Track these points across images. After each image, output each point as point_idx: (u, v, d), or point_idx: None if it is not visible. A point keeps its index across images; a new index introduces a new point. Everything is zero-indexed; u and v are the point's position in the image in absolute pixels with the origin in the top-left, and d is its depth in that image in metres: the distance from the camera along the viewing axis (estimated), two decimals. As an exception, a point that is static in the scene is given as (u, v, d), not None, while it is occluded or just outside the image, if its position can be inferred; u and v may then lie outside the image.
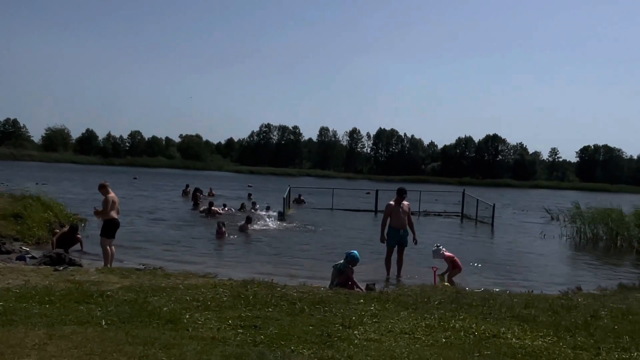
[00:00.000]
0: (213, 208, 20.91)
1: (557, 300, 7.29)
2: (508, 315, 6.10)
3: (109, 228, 9.65)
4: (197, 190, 26.43)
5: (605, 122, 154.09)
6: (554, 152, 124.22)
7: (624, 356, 4.73)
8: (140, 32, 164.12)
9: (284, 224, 18.41)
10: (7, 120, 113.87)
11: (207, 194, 29.36)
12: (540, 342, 5.06)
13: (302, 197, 29.35)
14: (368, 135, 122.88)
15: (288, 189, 25.74)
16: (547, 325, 5.72)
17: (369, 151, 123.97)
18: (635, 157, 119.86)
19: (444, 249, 10.11)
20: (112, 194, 9.74)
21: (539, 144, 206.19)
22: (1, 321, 4.93)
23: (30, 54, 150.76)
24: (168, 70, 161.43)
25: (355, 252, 8.78)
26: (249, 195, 30.38)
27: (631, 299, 7.67)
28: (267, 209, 22.25)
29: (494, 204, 23.66)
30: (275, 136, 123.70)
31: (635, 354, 4.81)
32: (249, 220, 17.07)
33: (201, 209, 21.74)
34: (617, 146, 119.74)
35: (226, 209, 22.09)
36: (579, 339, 5.23)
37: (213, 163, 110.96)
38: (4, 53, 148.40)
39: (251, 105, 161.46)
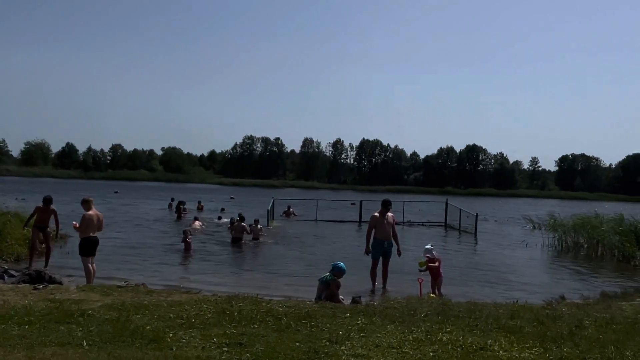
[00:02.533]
0: (197, 222, 20.76)
1: (542, 310, 7.33)
2: (494, 327, 6.10)
3: (87, 246, 9.47)
4: (180, 203, 26.39)
5: (583, 131, 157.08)
6: (534, 161, 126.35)
7: (609, 366, 4.76)
8: (120, 45, 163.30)
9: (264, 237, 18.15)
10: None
11: (196, 208, 29.13)
12: (527, 354, 5.07)
13: (292, 209, 29.02)
14: (351, 145, 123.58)
15: (272, 201, 25.65)
16: (533, 336, 5.74)
17: (352, 162, 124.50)
18: (612, 166, 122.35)
19: (435, 252, 10.13)
20: (92, 211, 9.57)
21: (519, 154, 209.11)
22: (-22, 344, 4.78)
23: (9, 67, 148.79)
24: (149, 83, 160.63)
25: (342, 263, 8.75)
26: (221, 209, 28.80)
27: (614, 308, 7.75)
28: (222, 210, 24.72)
29: (477, 214, 23.86)
30: (258, 148, 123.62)
31: (620, 363, 4.84)
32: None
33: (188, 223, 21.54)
34: (595, 155, 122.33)
35: (201, 226, 21.44)
36: (564, 349, 5.25)
37: (195, 175, 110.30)
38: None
39: (233, 117, 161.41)
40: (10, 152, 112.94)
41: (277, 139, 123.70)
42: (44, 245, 12.08)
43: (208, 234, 19.27)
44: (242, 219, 18.13)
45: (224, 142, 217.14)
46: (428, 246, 10.26)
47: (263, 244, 17.32)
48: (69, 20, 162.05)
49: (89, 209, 9.53)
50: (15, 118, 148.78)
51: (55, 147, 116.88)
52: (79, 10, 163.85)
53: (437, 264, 9.96)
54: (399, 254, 10.92)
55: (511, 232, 24.89)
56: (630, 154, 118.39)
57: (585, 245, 18.38)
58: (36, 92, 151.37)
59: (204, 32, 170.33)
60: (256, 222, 18.56)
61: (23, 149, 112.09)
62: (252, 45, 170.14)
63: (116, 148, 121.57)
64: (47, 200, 11.87)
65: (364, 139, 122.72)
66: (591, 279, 13.04)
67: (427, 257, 9.96)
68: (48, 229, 12.02)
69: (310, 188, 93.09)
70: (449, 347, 5.19)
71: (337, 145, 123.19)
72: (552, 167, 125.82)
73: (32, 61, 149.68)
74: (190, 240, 14.95)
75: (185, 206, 26.71)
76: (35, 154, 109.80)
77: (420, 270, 9.90)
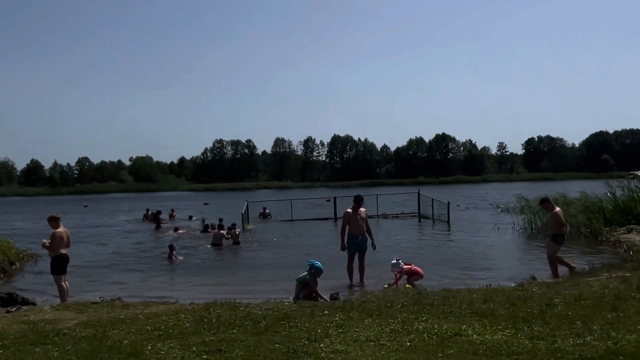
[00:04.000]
0: (180, 231, 21.78)
1: (513, 291, 7.54)
2: (468, 312, 6.27)
3: (59, 264, 9.29)
4: (158, 212, 26.74)
5: (546, 113, 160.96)
6: (501, 146, 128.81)
7: (578, 341, 4.95)
8: (80, 56, 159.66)
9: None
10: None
11: (168, 216, 28.86)
12: (499, 336, 5.23)
13: (267, 211, 29.12)
14: (321, 142, 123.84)
15: (246, 204, 25.57)
16: (505, 318, 5.91)
17: (324, 159, 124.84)
18: (577, 145, 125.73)
19: (402, 263, 10.13)
20: (61, 228, 9.38)
21: (486, 139, 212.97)
22: (-50, 374, 4.68)
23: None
24: (112, 92, 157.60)
25: (319, 263, 8.83)
26: (190, 217, 29.18)
27: (582, 284, 8.02)
28: (190, 218, 26.05)
29: (449, 202, 24.25)
30: (229, 151, 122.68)
31: (589, 338, 5.04)
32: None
33: (167, 232, 22.41)
34: (560, 136, 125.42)
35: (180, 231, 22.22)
36: (535, 328, 5.43)
37: (167, 183, 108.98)
38: None
39: (202, 122, 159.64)
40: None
41: (248, 140, 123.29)
42: None
43: (187, 242, 19.11)
44: (221, 226, 18.33)
45: (194, 147, 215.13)
46: (393, 261, 10.06)
47: (241, 248, 17.27)
48: (23, 32, 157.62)
49: (57, 226, 9.34)
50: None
51: (20, 165, 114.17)
52: (34, 22, 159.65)
53: (406, 275, 10.01)
54: (374, 247, 11.07)
55: (483, 218, 25.39)
56: (593, 132, 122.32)
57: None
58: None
59: (163, 35, 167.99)
60: (234, 226, 18.57)
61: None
62: (215, 45, 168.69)
63: (83, 161, 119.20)
64: None
65: (335, 135, 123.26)
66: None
67: (396, 271, 9.87)
68: None
69: (283, 188, 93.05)
70: (425, 335, 5.32)
71: (309, 143, 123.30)
72: (518, 150, 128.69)
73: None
74: (174, 258, 14.82)
75: (161, 216, 26.83)
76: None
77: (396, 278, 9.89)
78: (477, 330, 5.45)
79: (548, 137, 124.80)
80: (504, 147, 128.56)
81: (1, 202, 62.69)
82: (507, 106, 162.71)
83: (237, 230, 18.32)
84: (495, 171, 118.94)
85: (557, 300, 6.74)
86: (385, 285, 9.59)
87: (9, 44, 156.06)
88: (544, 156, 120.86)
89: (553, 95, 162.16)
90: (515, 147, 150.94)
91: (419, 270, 10.27)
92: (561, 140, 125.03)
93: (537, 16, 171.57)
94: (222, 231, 18.07)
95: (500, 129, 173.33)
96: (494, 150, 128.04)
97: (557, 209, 10.78)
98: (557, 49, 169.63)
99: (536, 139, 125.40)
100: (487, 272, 11.72)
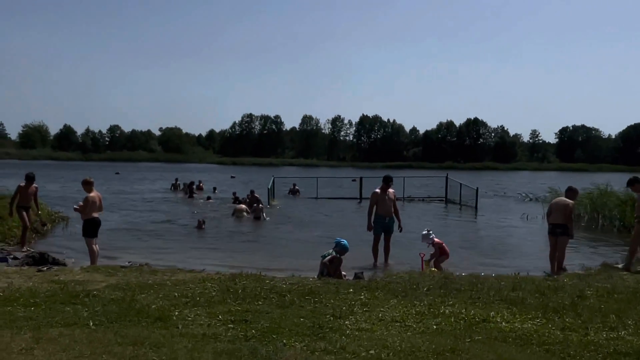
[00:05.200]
0: (211, 200, 23.33)
1: (543, 281, 7.38)
2: (496, 299, 6.16)
3: (90, 227, 9.48)
4: (191, 183, 27.57)
5: (583, 102, 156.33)
6: (534, 133, 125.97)
7: (611, 335, 4.81)
8: (115, 26, 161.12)
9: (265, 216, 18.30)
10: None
11: (195, 187, 29.36)
12: (529, 325, 5.12)
13: (296, 187, 29.12)
14: (350, 122, 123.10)
15: (272, 179, 25.65)
16: (535, 307, 5.79)
17: (351, 138, 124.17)
18: (613, 136, 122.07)
19: (433, 235, 10.14)
20: (93, 193, 9.55)
21: (519, 127, 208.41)
22: (-15, 326, 4.82)
23: (5, 51, 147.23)
24: (146, 63, 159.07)
25: (345, 241, 8.78)
26: (214, 188, 30.15)
27: (615, 278, 7.80)
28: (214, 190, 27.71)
29: (477, 188, 23.88)
30: (257, 126, 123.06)
31: (623, 332, 4.89)
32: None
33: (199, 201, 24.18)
34: (595, 126, 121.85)
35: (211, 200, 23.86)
36: (567, 319, 5.30)
37: (195, 155, 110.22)
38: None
39: (232, 96, 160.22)
40: (8, 136, 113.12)
41: (277, 116, 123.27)
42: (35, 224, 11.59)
43: (215, 213, 19.52)
44: (251, 199, 18.84)
45: (223, 121, 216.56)
46: (424, 232, 10.19)
47: (264, 223, 17.39)
48: (63, 3, 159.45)
49: (90, 190, 9.51)
50: (13, 101, 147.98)
51: (54, 130, 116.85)
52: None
53: (436, 249, 9.96)
54: (400, 229, 10.96)
55: (512, 206, 24.96)
56: (631, 124, 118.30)
57: (586, 217, 18.42)
58: (33, 75, 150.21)
59: (198, 9, 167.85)
60: (257, 200, 18.78)
61: (21, 132, 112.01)
62: (249, 21, 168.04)
63: (114, 129, 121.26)
64: (30, 178, 11.30)
65: (363, 115, 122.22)
66: (592, 249, 13.10)
67: (426, 242, 9.97)
68: (30, 210, 11.48)
69: (309, 166, 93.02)
70: (452, 319, 5.24)
71: (336, 122, 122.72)
72: (552, 139, 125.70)
73: (29, 43, 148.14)
74: (203, 227, 15.32)
75: (195, 186, 27.75)
76: (33, 137, 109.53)
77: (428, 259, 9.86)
78: (505, 317, 5.34)
79: (583, 126, 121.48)
80: (537, 135, 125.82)
81: (34, 165, 64.43)
82: (542, 94, 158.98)
83: (260, 205, 18.45)
84: (526, 159, 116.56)
85: (589, 292, 6.57)
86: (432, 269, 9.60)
87: (47, 11, 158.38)
88: (577, 146, 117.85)
89: (590, 85, 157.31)
90: (549, 136, 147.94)
91: (447, 249, 10.17)
92: (596, 130, 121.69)
93: (577, 5, 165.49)
94: (242, 205, 18.51)
95: (534, 117, 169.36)
96: (526, 137, 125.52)
97: None
98: (597, 38, 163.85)
99: (571, 128, 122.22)
100: (514, 260, 11.51)
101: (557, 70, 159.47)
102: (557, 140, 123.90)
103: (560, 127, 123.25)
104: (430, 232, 10.20)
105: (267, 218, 17.96)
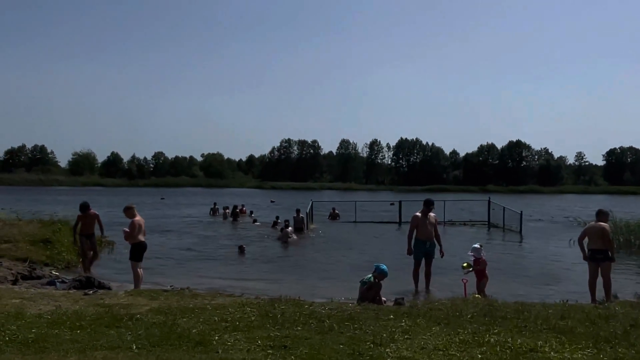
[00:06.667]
0: (257, 223, 24.54)
1: (594, 309, 7.06)
2: (544, 328, 5.91)
3: (138, 251, 9.70)
4: (235, 207, 28.69)
5: (630, 123, 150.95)
6: (579, 156, 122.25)
7: (670, 368, 4.53)
8: (159, 56, 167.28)
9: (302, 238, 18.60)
10: (35, 147, 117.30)
11: (238, 211, 29.83)
12: (579, 355, 4.89)
13: (336, 211, 29.09)
14: (388, 146, 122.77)
15: (310, 203, 25.73)
16: (586, 336, 5.53)
17: (389, 162, 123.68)
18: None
19: (484, 252, 9.91)
20: (138, 217, 9.81)
21: (563, 149, 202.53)
22: (34, 348, 4.96)
23: (56, 82, 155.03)
24: (187, 92, 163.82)
25: (384, 265, 8.68)
26: (251, 212, 30.63)
27: (672, 307, 7.37)
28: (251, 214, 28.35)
29: (521, 211, 23.23)
30: (295, 151, 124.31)
31: (682, 365, 4.60)
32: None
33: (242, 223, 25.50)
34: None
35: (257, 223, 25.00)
36: (619, 350, 5.04)
37: (235, 180, 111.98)
38: (32, 82, 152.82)
39: (271, 121, 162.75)
40: (58, 163, 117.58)
41: (314, 141, 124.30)
42: (92, 252, 12.20)
43: (257, 236, 20.00)
44: (287, 224, 19.11)
45: (262, 146, 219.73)
46: (476, 245, 9.99)
47: (304, 246, 17.43)
48: (109, 32, 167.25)
49: (133, 215, 9.75)
50: (63, 130, 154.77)
51: (101, 157, 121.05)
52: (120, 24, 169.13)
53: (480, 266, 9.71)
54: (442, 254, 10.75)
55: (558, 230, 24.12)
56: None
57: (638, 243, 17.59)
58: (82, 105, 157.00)
59: (238, 41, 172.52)
60: (286, 224, 19.50)
61: (71, 160, 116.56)
62: (287, 49, 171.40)
63: (158, 156, 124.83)
64: (84, 207, 11.75)
65: (401, 138, 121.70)
66: (645, 277, 12.47)
67: (473, 255, 9.73)
68: (94, 236, 11.93)
69: (347, 190, 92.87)
70: (497, 348, 5.06)
71: (374, 145, 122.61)
72: (599, 161, 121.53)
73: (77, 75, 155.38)
74: (245, 252, 15.57)
75: (238, 210, 28.64)
76: (82, 164, 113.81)
77: (465, 272, 9.70)
78: (554, 347, 5.12)
79: (631, 148, 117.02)
80: (583, 157, 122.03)
81: (83, 191, 66.87)
82: (586, 115, 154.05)
83: (289, 229, 19.00)
84: (572, 182, 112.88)
85: (644, 321, 6.22)
86: (464, 264, 9.57)
87: (100, 41, 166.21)
88: (626, 168, 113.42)
89: (637, 105, 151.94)
90: (595, 158, 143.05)
91: (486, 272, 9.88)
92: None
93: (621, 24, 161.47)
94: (287, 229, 18.66)
95: (579, 139, 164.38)
96: (571, 160, 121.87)
97: None
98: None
99: (618, 149, 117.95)
100: (561, 287, 11.09)
101: (602, 90, 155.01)
102: (604, 162, 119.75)
103: (608, 149, 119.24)
104: (482, 247, 9.96)
105: (294, 236, 18.55)
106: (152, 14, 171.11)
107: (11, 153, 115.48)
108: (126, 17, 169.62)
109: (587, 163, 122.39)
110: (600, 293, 9.16)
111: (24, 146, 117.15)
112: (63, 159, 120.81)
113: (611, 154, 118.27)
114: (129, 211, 9.80)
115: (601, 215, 9.46)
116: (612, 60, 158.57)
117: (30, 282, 10.15)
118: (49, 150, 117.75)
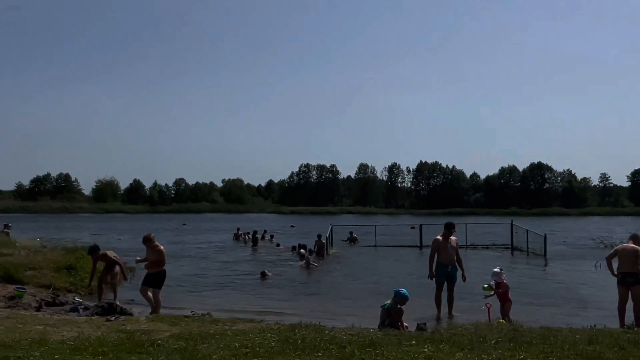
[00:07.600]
0: (280, 247, 25.15)
1: (623, 334, 6.84)
2: (572, 353, 5.75)
3: (162, 279, 9.76)
4: (255, 232, 29.09)
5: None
6: (604, 177, 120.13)
7: None
8: (177, 83, 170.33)
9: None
10: (60, 175, 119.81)
11: (260, 237, 29.96)
12: (610, 382, 4.72)
13: (354, 235, 28.99)
14: (408, 169, 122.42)
15: (330, 227, 25.68)
16: (616, 363, 5.35)
17: (409, 185, 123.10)
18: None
19: (504, 275, 9.74)
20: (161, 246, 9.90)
21: (587, 170, 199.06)
22: (57, 374, 4.99)
23: (79, 112, 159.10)
24: (207, 119, 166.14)
25: (404, 290, 8.57)
26: (271, 236, 30.87)
27: None
28: (272, 237, 29.28)
29: (545, 234, 22.82)
30: (314, 175, 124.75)
31: None
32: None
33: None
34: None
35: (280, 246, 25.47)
36: (652, 377, 4.86)
37: (254, 205, 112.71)
38: (57, 112, 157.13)
39: (289, 147, 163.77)
40: (82, 191, 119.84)
41: (333, 165, 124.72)
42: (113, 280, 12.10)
43: (279, 261, 20.06)
44: (307, 250, 19.48)
45: (281, 171, 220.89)
46: (496, 269, 9.84)
47: (325, 271, 17.35)
48: (127, 60, 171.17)
49: (154, 245, 9.78)
50: (87, 158, 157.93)
51: (124, 184, 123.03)
52: (139, 53, 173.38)
53: (502, 290, 9.54)
54: (464, 279, 10.58)
55: (584, 253, 23.58)
56: None
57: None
58: (104, 134, 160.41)
59: (257, 66, 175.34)
60: (304, 248, 19.49)
61: (94, 187, 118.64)
62: (303, 73, 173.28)
63: (179, 182, 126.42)
64: (92, 249, 11.68)
65: (421, 161, 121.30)
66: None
67: (495, 280, 9.58)
68: (115, 270, 11.71)
69: (367, 214, 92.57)
70: (523, 375, 4.93)
71: (393, 169, 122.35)
72: (624, 182, 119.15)
73: (100, 105, 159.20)
74: (267, 277, 15.65)
75: (258, 235, 28.82)
76: (105, 191, 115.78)
77: (486, 296, 9.55)
78: (582, 374, 4.96)
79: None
80: (607, 179, 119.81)
81: (106, 218, 67.91)
82: (610, 135, 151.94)
83: (309, 255, 19.29)
84: (596, 204, 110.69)
85: (676, 347, 6.01)
86: (485, 286, 9.49)
87: (120, 71, 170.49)
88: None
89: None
90: (620, 179, 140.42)
91: (509, 295, 9.69)
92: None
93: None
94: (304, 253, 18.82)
95: (602, 160, 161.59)
96: (595, 181, 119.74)
97: None
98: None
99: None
100: (588, 311, 10.80)
101: (624, 110, 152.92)
102: (629, 183, 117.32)
103: (632, 170, 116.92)
104: (502, 271, 9.80)
105: (315, 264, 18.43)
106: (171, 42, 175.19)
107: (37, 181, 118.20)
108: (146, 46, 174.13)
109: (611, 184, 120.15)
110: (629, 318, 8.90)
111: (49, 175, 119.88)
112: (87, 187, 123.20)
113: (636, 175, 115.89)
114: (148, 242, 9.73)
115: (636, 239, 9.23)
116: (635, 79, 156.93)
117: (53, 308, 10.25)
118: (73, 178, 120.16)
